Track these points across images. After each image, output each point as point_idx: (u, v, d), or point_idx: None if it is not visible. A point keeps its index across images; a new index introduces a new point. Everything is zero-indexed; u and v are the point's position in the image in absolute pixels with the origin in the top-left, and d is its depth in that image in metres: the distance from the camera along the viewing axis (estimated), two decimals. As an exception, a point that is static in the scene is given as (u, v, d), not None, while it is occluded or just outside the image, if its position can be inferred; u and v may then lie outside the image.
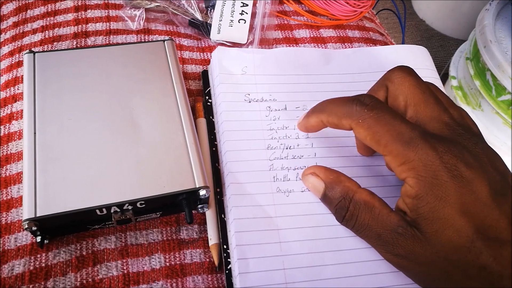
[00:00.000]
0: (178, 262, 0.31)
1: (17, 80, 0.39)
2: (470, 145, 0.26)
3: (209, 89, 0.39)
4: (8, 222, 0.31)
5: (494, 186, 0.25)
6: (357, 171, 0.33)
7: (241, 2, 0.44)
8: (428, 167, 0.25)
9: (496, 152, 0.28)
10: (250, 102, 0.36)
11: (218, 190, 0.33)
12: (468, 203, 0.24)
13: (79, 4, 0.45)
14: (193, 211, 0.33)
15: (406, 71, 0.29)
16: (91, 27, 0.43)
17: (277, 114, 0.36)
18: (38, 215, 0.28)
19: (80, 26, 0.43)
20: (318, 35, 0.47)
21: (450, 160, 0.25)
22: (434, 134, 0.26)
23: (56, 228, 0.30)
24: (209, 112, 0.37)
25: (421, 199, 0.25)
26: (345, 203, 0.28)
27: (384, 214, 0.27)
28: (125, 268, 0.30)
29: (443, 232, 0.24)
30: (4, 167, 0.34)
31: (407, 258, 0.26)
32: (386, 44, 0.49)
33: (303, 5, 0.49)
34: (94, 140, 0.31)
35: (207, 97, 0.38)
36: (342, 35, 0.47)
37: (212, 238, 0.31)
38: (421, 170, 0.25)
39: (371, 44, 0.47)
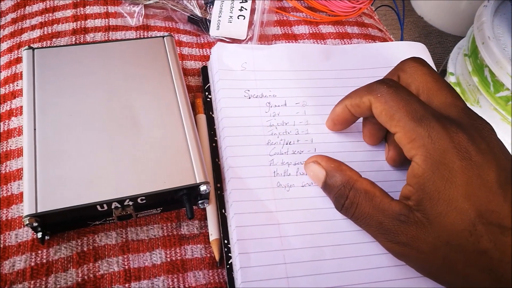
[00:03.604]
0: (179, 258, 0.31)
1: (16, 77, 0.39)
2: (484, 131, 0.26)
3: (209, 85, 0.39)
4: (9, 218, 0.31)
5: (504, 174, 0.25)
6: (357, 166, 0.33)
7: (240, -2, 0.44)
8: (438, 145, 0.25)
9: (504, 145, 0.28)
10: (249, 98, 0.36)
11: (218, 185, 0.33)
12: (474, 187, 0.24)
13: (78, 0, 0.45)
14: (194, 207, 0.33)
15: (419, 61, 0.30)
16: (90, 23, 0.43)
17: (276, 110, 0.36)
18: (39, 211, 0.28)
19: (79, 22, 0.43)
20: (317, 31, 0.47)
21: (460, 141, 0.25)
22: (448, 116, 0.27)
23: (57, 224, 0.30)
24: (208, 108, 0.37)
25: (427, 178, 0.25)
26: (345, 191, 0.28)
27: (386, 203, 0.27)
28: (126, 264, 0.30)
29: (447, 215, 0.24)
30: (4, 163, 0.34)
31: (409, 245, 0.26)
32: (385, 40, 0.49)
33: (302, 1, 0.49)
34: (94, 136, 0.31)
35: (206, 93, 0.38)
36: (341, 31, 0.47)
37: (213, 233, 0.32)
38: (430, 148, 0.25)
39: (370, 40, 0.47)
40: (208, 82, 0.39)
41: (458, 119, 0.27)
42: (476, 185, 0.24)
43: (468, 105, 0.86)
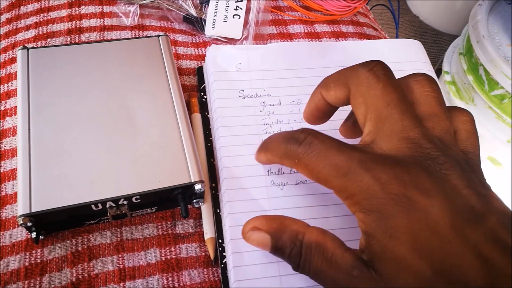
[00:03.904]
0: (173, 257, 0.31)
1: (10, 77, 0.39)
2: (433, 166, 0.22)
3: (204, 86, 0.39)
4: (3, 218, 0.31)
5: (462, 213, 0.21)
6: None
7: (235, -2, 0.44)
8: (371, 200, 0.21)
9: (481, 176, 0.24)
10: (244, 98, 0.36)
11: (213, 185, 0.33)
12: (423, 239, 0.20)
13: (73, 0, 0.45)
14: (189, 206, 0.33)
15: (374, 73, 0.25)
16: (85, 23, 0.43)
17: (271, 109, 0.36)
18: (33, 210, 0.28)
19: (74, 22, 0.43)
20: (313, 30, 0.47)
21: (396, 189, 0.21)
22: (384, 156, 0.23)
23: (51, 224, 0.30)
24: (204, 108, 0.37)
25: (371, 237, 0.22)
26: (296, 249, 0.24)
27: (338, 255, 0.23)
28: (120, 263, 0.30)
29: (399, 275, 0.21)
30: (-1, 163, 0.34)
31: None
32: (380, 39, 0.49)
33: (297, 0, 0.49)
34: (89, 136, 0.31)
35: (202, 93, 0.38)
36: (336, 30, 0.47)
37: (208, 232, 0.32)
38: (365, 205, 0.22)
39: (365, 39, 0.47)
40: (204, 83, 0.39)
41: (402, 155, 0.23)
42: (425, 236, 0.20)
43: (463, 103, 0.85)
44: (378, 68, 0.25)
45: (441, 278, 0.20)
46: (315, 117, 0.30)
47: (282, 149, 0.26)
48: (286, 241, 0.25)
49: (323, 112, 0.30)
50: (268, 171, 0.33)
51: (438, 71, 1.12)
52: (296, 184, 0.32)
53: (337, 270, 0.23)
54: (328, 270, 0.23)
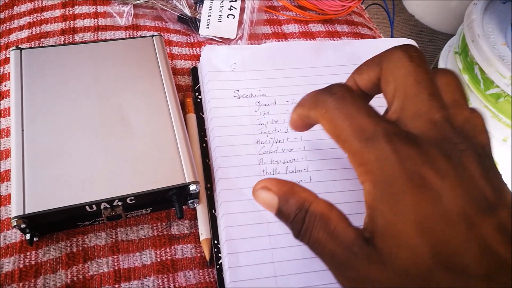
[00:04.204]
0: (169, 258, 0.31)
1: (3, 77, 0.38)
2: (453, 151, 0.22)
3: (199, 86, 0.39)
4: (-3, 220, 0.31)
5: (475, 201, 0.20)
6: (347, 162, 0.34)
7: (230, -3, 0.44)
8: (386, 171, 0.21)
9: (497, 169, 0.23)
10: (239, 98, 0.36)
11: (208, 185, 0.33)
12: (429, 220, 0.20)
13: (67, 0, 0.45)
14: (184, 207, 0.33)
15: (407, 52, 0.25)
16: (79, 23, 0.43)
17: (266, 108, 0.36)
18: (26, 212, 0.28)
19: (67, 22, 0.43)
20: (307, 30, 0.47)
21: (412, 166, 0.21)
22: (407, 133, 0.22)
23: (45, 225, 0.30)
24: (199, 108, 0.37)
25: (376, 209, 0.21)
26: (301, 216, 0.24)
27: (340, 229, 0.23)
28: (116, 264, 0.30)
29: (398, 254, 0.20)
30: (-8, 165, 0.34)
31: (361, 283, 0.22)
32: (374, 38, 0.49)
33: (292, 0, 0.49)
34: (83, 137, 0.31)
35: (197, 94, 0.38)
36: (330, 30, 0.47)
37: (203, 233, 0.32)
38: (378, 175, 0.21)
39: (359, 39, 0.47)
40: (198, 83, 0.39)
41: (425, 135, 0.22)
42: (432, 217, 0.20)
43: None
44: (412, 50, 0.25)
45: (440, 263, 0.19)
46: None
47: (314, 98, 0.26)
48: (292, 206, 0.25)
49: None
50: (263, 170, 0.33)
51: (434, 70, 1.12)
52: (291, 184, 0.32)
53: (337, 243, 0.22)
54: (328, 242, 0.23)
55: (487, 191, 0.21)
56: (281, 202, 0.25)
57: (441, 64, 0.97)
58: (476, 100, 0.84)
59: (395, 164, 0.21)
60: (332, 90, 0.24)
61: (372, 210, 0.22)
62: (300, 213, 0.24)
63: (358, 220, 0.23)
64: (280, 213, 0.26)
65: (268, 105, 0.36)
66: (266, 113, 0.35)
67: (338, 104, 0.24)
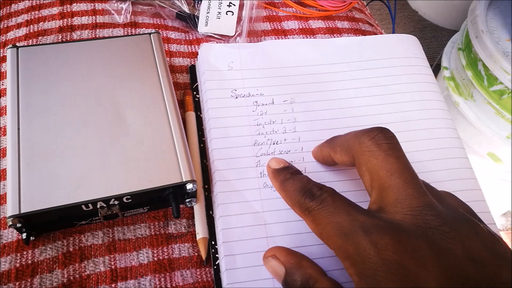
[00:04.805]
0: (166, 257, 0.31)
1: (1, 76, 0.38)
2: (438, 235, 0.22)
3: (197, 84, 0.38)
4: (-6, 219, 0.31)
5: (459, 285, 0.21)
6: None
7: (229, -6, 0.43)
8: (366, 264, 0.21)
9: (495, 239, 0.23)
10: (236, 97, 0.36)
11: (206, 186, 0.33)
12: None
13: (65, -3, 0.44)
14: (181, 206, 0.33)
15: (375, 141, 0.25)
16: (76, 20, 0.43)
17: (264, 108, 0.35)
18: (22, 211, 0.27)
19: (65, 20, 0.43)
20: (307, 26, 0.46)
21: (391, 256, 0.21)
22: (388, 223, 0.23)
23: (42, 225, 0.30)
24: (197, 107, 0.37)
25: None
26: None
27: None
28: (112, 263, 0.30)
29: None
30: (-11, 163, 0.34)
31: None
32: (376, 34, 0.49)
33: (292, -4, 0.49)
34: (79, 135, 0.31)
35: (194, 92, 0.38)
36: (331, 26, 0.47)
37: (200, 232, 0.31)
38: (361, 268, 0.22)
39: (360, 35, 0.47)
40: (196, 81, 0.39)
41: (404, 222, 0.23)
42: None
43: (462, 99, 0.84)
44: (380, 137, 0.25)
45: None
46: (322, 163, 0.33)
47: (297, 198, 0.26)
48: (297, 280, 0.25)
49: (331, 163, 0.32)
50: (261, 173, 0.32)
51: (437, 67, 1.11)
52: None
53: None
54: None
55: (471, 270, 0.21)
56: (288, 274, 0.26)
57: (444, 61, 0.96)
58: (479, 96, 0.83)
59: (373, 256, 0.21)
60: (314, 193, 0.25)
61: None
62: None
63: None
64: (286, 284, 0.26)
65: (266, 104, 0.36)
66: (263, 113, 0.35)
67: (318, 206, 0.25)
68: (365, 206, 0.25)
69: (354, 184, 0.32)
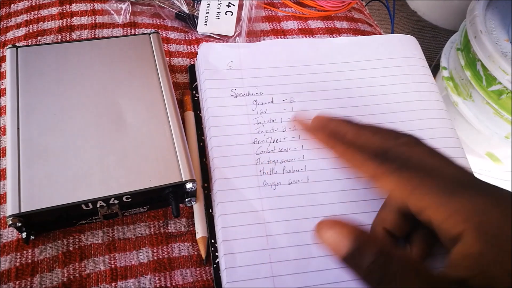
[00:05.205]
0: (166, 256, 0.31)
1: (0, 76, 0.38)
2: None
3: (196, 84, 0.38)
4: (-7, 218, 0.31)
5: None
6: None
7: (228, -6, 0.43)
8: (487, 217, 0.21)
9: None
10: (236, 97, 0.36)
11: (206, 185, 0.33)
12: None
13: (64, -3, 0.44)
14: (181, 205, 0.33)
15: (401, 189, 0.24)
16: (76, 21, 0.43)
17: (263, 107, 0.35)
18: (22, 210, 0.27)
19: (65, 20, 0.43)
20: (306, 27, 0.47)
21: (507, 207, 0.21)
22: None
23: (41, 224, 0.30)
24: (196, 106, 0.37)
25: (486, 256, 0.20)
26: (379, 264, 0.20)
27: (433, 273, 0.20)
28: (112, 262, 0.30)
29: None
30: (-11, 163, 0.34)
31: None
32: (374, 35, 0.49)
33: (291, -4, 0.49)
34: (79, 135, 0.31)
35: (194, 92, 0.38)
36: (330, 26, 0.47)
37: (199, 231, 0.31)
38: (481, 221, 0.21)
39: (359, 35, 0.47)
40: (196, 81, 0.39)
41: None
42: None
43: (461, 99, 0.84)
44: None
45: None
46: (311, 134, 0.29)
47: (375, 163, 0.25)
48: (369, 257, 0.20)
49: (324, 139, 0.28)
50: (260, 171, 0.32)
51: (436, 67, 1.11)
52: (289, 184, 0.32)
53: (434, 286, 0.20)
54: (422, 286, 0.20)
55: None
56: (355, 249, 0.21)
57: (443, 61, 0.96)
58: (478, 96, 0.83)
59: (494, 208, 0.21)
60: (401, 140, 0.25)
61: (479, 259, 0.20)
62: (378, 260, 0.20)
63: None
64: (353, 258, 0.21)
65: (266, 103, 0.36)
66: (263, 112, 0.35)
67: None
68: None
69: (359, 185, 0.32)
